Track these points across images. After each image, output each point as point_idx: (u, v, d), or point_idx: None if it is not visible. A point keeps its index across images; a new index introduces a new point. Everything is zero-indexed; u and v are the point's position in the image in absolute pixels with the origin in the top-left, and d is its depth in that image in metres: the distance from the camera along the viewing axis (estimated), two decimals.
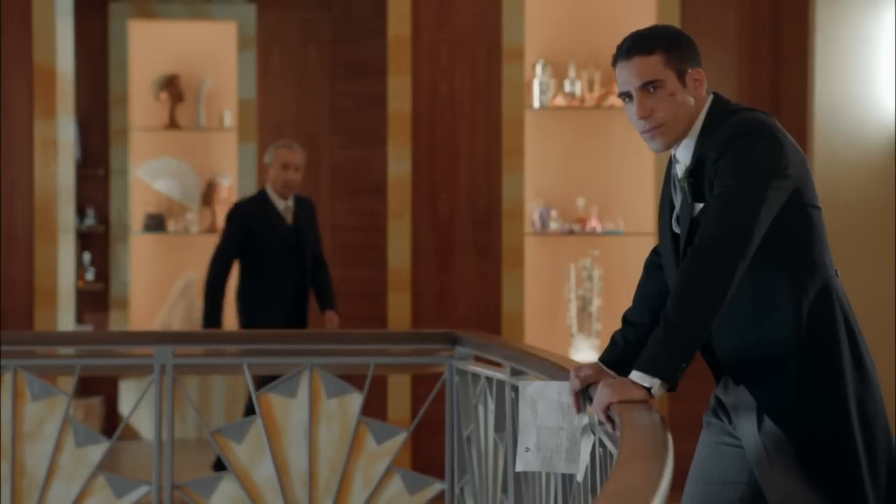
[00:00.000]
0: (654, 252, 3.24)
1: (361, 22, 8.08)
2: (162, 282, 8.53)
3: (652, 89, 2.97)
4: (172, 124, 8.44)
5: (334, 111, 8.18)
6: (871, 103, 6.36)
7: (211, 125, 8.47)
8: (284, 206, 6.53)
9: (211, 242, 8.59)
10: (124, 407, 8.27)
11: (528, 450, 3.11)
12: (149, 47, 8.45)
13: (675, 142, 3.02)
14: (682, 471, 2.94)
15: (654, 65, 2.97)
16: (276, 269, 6.53)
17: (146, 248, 8.53)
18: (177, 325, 8.33)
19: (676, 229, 3.05)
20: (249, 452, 4.59)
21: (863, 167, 6.28)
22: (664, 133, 2.99)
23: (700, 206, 2.96)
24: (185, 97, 8.43)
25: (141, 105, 8.45)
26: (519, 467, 3.15)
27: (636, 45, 2.99)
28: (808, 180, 3.00)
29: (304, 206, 6.63)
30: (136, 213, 8.46)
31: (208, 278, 6.51)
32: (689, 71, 3.00)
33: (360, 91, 8.10)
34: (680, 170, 3.03)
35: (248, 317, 6.60)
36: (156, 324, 8.41)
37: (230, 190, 8.42)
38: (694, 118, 3.01)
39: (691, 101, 3.00)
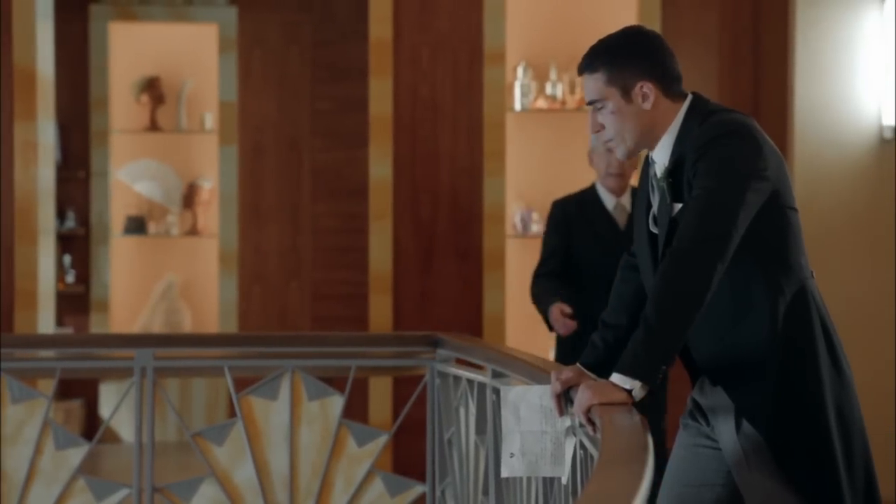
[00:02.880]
0: (630, 253, 3.25)
1: (343, 24, 8.08)
2: (143, 284, 8.51)
3: (599, 107, 3.02)
4: (153, 126, 8.42)
5: (315, 114, 8.18)
6: (851, 106, 6.38)
7: (192, 127, 8.46)
8: (615, 204, 5.24)
9: (192, 245, 8.59)
10: (105, 410, 8.25)
11: (512, 455, 3.12)
12: (129, 49, 8.43)
13: (637, 149, 3.07)
14: (660, 473, 2.94)
15: (597, 84, 3.03)
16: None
17: (127, 251, 8.51)
18: (157, 327, 8.31)
19: (654, 230, 3.06)
20: (230, 455, 4.58)
21: (843, 169, 6.30)
22: (617, 146, 3.07)
23: (679, 206, 2.97)
24: (165, 99, 8.42)
25: (122, 107, 8.43)
26: (504, 473, 3.15)
27: (584, 62, 3.06)
28: (786, 182, 3.01)
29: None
30: (117, 215, 8.43)
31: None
32: (636, 86, 3.01)
33: (341, 94, 8.10)
34: (658, 170, 3.04)
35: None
36: (136, 326, 8.39)
37: (211, 192, 8.40)
38: (655, 124, 3.02)
39: (644, 112, 3.01)
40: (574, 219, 5.20)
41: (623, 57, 3.02)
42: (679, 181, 2.98)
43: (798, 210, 3.06)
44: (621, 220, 5.18)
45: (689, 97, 3.06)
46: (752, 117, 3.05)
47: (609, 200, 5.18)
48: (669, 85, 3.03)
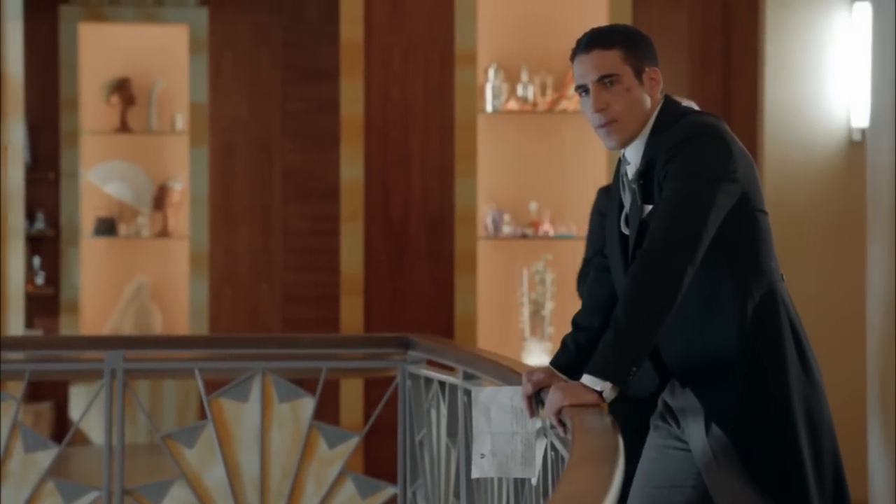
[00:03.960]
0: (602, 254, 3.25)
1: (314, 26, 8.07)
2: (113, 286, 8.48)
3: (609, 83, 2.99)
4: (124, 128, 8.39)
5: (287, 115, 8.16)
6: (821, 107, 6.41)
7: (162, 128, 8.43)
8: None
9: (162, 246, 8.56)
10: (74, 412, 8.21)
11: (483, 456, 3.12)
12: (100, 50, 8.39)
13: (630, 139, 3.02)
14: (631, 474, 2.94)
15: (612, 59, 2.98)
16: None
17: (97, 252, 8.47)
18: (128, 329, 8.28)
19: (625, 230, 3.06)
20: (201, 457, 4.57)
21: (812, 171, 6.32)
22: (619, 129, 3.00)
23: (649, 207, 2.97)
24: (136, 100, 8.39)
25: (92, 108, 8.40)
26: (475, 474, 3.15)
27: (596, 38, 3.01)
28: (756, 185, 3.02)
29: None
30: (87, 216, 8.40)
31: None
32: (647, 69, 3.01)
33: (312, 95, 8.08)
34: (630, 171, 3.04)
35: None
36: (107, 328, 8.35)
37: (182, 194, 8.37)
38: (648, 117, 3.02)
39: (647, 99, 3.01)
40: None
41: (640, 40, 3.03)
42: (650, 183, 2.99)
43: (768, 213, 3.07)
44: None
45: (662, 99, 3.07)
46: (723, 119, 3.06)
47: None
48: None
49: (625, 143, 3.03)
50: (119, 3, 8.29)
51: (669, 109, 3.04)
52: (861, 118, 6.34)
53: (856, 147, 6.37)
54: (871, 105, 5.64)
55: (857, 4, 6.37)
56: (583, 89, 3.02)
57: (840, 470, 3.03)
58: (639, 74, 3.00)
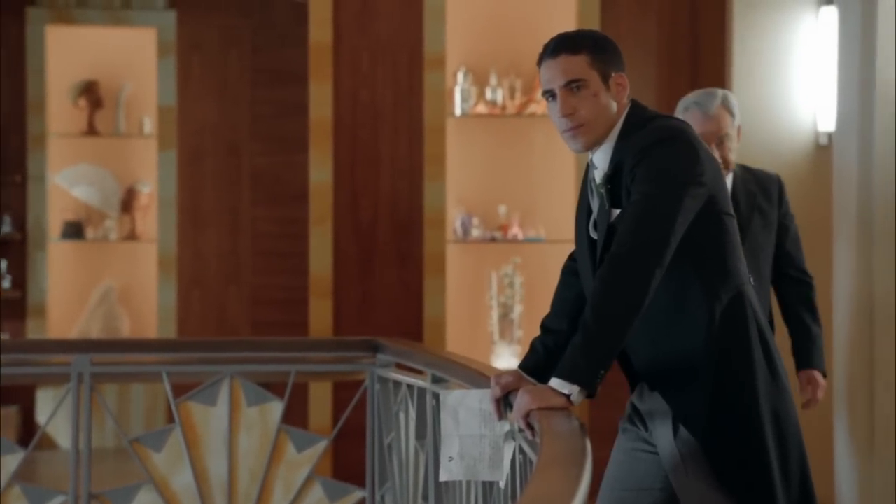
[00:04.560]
0: (571, 258, 3.26)
1: (283, 29, 8.06)
2: (80, 290, 8.44)
3: (576, 88, 3.00)
4: (91, 131, 8.35)
5: (255, 118, 8.14)
6: (788, 111, 6.44)
7: (130, 132, 8.40)
8: None
9: (130, 250, 8.53)
10: (41, 416, 8.17)
11: (451, 459, 3.12)
12: (67, 53, 8.36)
13: (595, 143, 3.04)
14: (599, 477, 2.95)
15: (579, 64, 3.00)
16: None
17: (64, 256, 8.43)
18: (95, 333, 8.25)
19: (594, 234, 3.07)
20: (168, 461, 4.55)
21: (779, 175, 6.34)
22: (585, 133, 3.01)
23: (617, 212, 2.98)
24: (104, 103, 8.35)
25: (59, 111, 8.36)
26: (443, 477, 3.15)
27: (563, 43, 3.02)
28: (722, 188, 3.04)
29: (753, 188, 4.45)
30: (54, 220, 8.36)
31: None
32: (614, 75, 3.03)
33: (281, 98, 8.07)
34: (598, 175, 3.05)
35: None
36: (74, 332, 8.32)
37: (150, 197, 8.35)
38: (614, 122, 3.04)
39: (613, 104, 3.03)
40: None
41: (606, 46, 3.05)
42: (618, 187, 2.99)
43: (735, 216, 3.09)
44: None
45: (629, 104, 3.08)
46: (689, 124, 3.07)
47: None
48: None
49: (590, 146, 3.04)
50: (87, 6, 8.26)
51: (636, 114, 3.05)
52: (827, 122, 6.37)
53: (822, 150, 6.41)
54: (837, 108, 5.68)
55: (823, 8, 6.40)
56: (550, 94, 3.03)
57: (806, 471, 3.05)
58: (606, 80, 3.02)
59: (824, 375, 4.52)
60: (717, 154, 4.18)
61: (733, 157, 4.28)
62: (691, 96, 4.29)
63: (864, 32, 5.25)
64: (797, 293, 4.45)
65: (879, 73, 5.20)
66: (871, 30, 5.22)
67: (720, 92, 4.29)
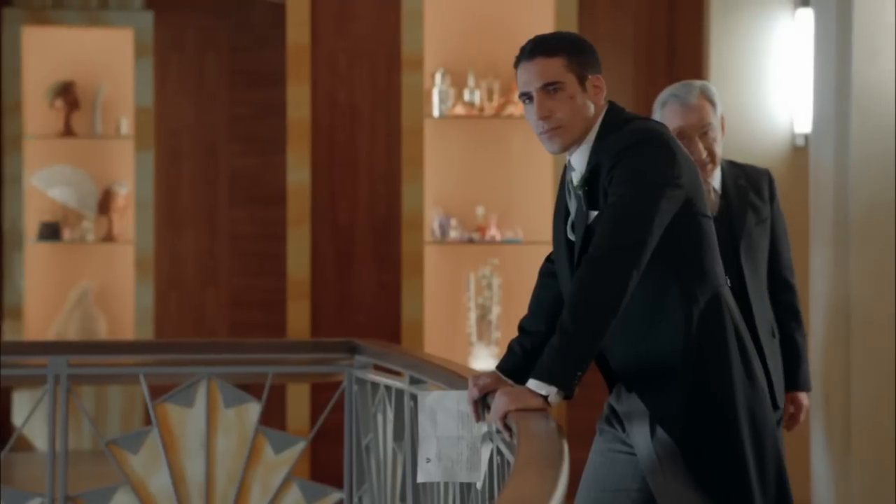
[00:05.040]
0: (549, 259, 3.26)
1: (260, 30, 8.05)
2: (57, 291, 8.42)
3: (552, 91, 3.00)
4: (68, 132, 8.33)
5: (233, 119, 8.13)
6: (764, 113, 6.46)
7: (107, 133, 8.38)
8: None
9: (107, 251, 8.50)
10: (17, 418, 8.14)
11: (428, 460, 3.12)
12: (44, 54, 8.33)
13: (572, 145, 3.04)
14: (577, 478, 2.96)
15: (555, 67, 3.00)
16: None
17: (41, 257, 8.40)
18: (72, 334, 8.22)
19: (571, 236, 3.08)
20: (145, 463, 4.54)
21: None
22: (561, 135, 3.02)
23: (595, 213, 2.99)
24: (80, 104, 8.33)
25: (35, 112, 8.33)
26: (421, 478, 3.15)
27: (539, 46, 3.02)
28: (699, 190, 3.04)
29: (743, 183, 4.18)
30: (31, 221, 8.33)
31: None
32: (590, 77, 3.03)
33: (258, 99, 8.06)
34: (575, 177, 3.06)
35: None
36: (51, 333, 8.29)
37: (127, 198, 8.33)
38: (591, 124, 3.04)
39: (590, 106, 3.03)
40: None
41: (583, 48, 3.05)
42: (595, 189, 3.00)
43: (712, 218, 3.09)
44: (711, 206, 3.98)
45: (606, 105, 3.08)
46: (667, 126, 3.08)
47: None
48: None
49: (566, 148, 3.05)
50: (63, 7, 8.23)
51: (614, 116, 3.06)
52: (804, 123, 6.39)
53: (799, 152, 6.43)
54: (813, 110, 5.70)
55: (799, 10, 6.42)
56: (526, 97, 3.03)
57: (783, 472, 3.06)
58: (582, 82, 3.02)
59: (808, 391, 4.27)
60: (701, 147, 3.99)
61: (719, 150, 4.06)
62: (668, 90, 4.11)
63: (840, 34, 5.27)
64: (785, 300, 4.17)
65: (855, 75, 5.22)
66: (846, 31, 5.25)
67: (698, 83, 4.10)
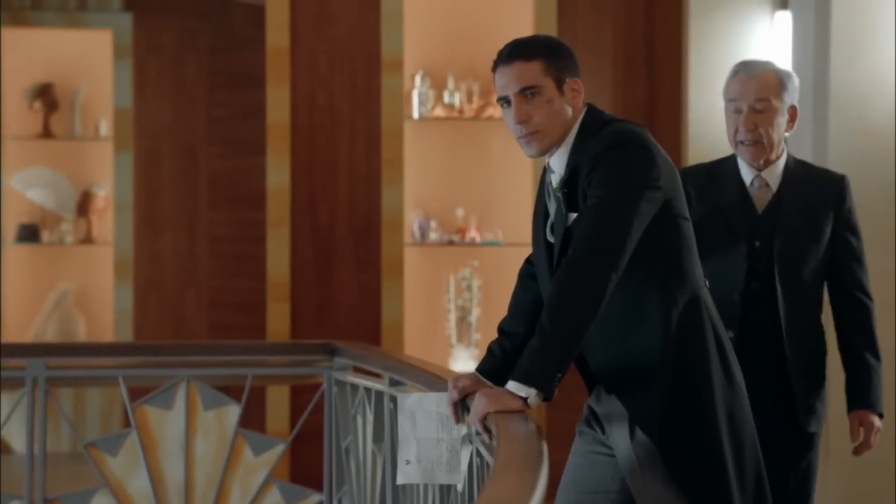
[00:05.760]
0: (528, 261, 3.27)
1: (240, 31, 8.04)
2: (36, 293, 8.39)
3: (530, 95, 3.01)
4: (46, 133, 8.30)
5: (212, 121, 8.12)
6: None
7: (86, 134, 8.36)
8: (753, 178, 3.80)
9: (86, 253, 8.48)
10: None
11: (408, 462, 3.12)
12: (22, 55, 8.30)
13: (550, 148, 3.05)
14: (556, 480, 2.96)
15: (533, 71, 3.01)
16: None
17: (19, 259, 8.38)
18: (51, 336, 8.20)
19: (550, 238, 3.08)
20: (124, 465, 4.54)
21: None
22: (539, 139, 3.03)
23: (574, 216, 2.99)
24: (59, 106, 8.31)
25: (14, 114, 8.30)
26: (400, 480, 3.15)
27: (517, 50, 3.03)
28: (678, 192, 3.05)
29: (805, 185, 3.82)
30: (9, 223, 8.30)
31: None
32: (568, 80, 3.04)
33: (238, 101, 8.05)
34: (555, 179, 3.06)
35: None
36: (29, 335, 8.27)
37: (106, 200, 8.31)
38: (570, 127, 3.05)
39: (568, 110, 3.04)
40: (702, 192, 3.80)
41: (560, 51, 3.05)
42: (574, 191, 3.01)
43: (690, 220, 3.10)
44: (760, 201, 3.77)
45: (585, 108, 3.09)
46: (646, 127, 3.09)
47: (747, 174, 3.78)
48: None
49: (544, 151, 3.05)
50: (42, 8, 8.21)
51: (593, 118, 3.06)
52: None
53: None
54: None
55: (778, 13, 6.45)
56: (504, 101, 3.04)
57: (762, 474, 3.07)
58: (560, 85, 3.03)
59: (881, 416, 3.80)
60: (750, 121, 3.69)
61: (776, 136, 3.70)
62: (741, 61, 3.83)
63: (818, 37, 5.30)
64: (851, 317, 3.80)
65: (833, 78, 5.24)
66: (824, 34, 5.27)
67: (774, 64, 3.79)
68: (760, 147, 3.71)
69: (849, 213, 3.79)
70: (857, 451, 3.80)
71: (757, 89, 3.71)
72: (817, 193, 3.78)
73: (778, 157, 3.76)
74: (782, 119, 3.71)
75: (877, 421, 3.76)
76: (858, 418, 3.76)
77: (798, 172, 3.79)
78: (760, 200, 3.75)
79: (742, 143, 3.73)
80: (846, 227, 3.78)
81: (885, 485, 5.28)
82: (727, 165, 3.82)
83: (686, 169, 3.84)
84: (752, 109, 3.70)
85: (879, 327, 3.86)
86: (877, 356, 3.78)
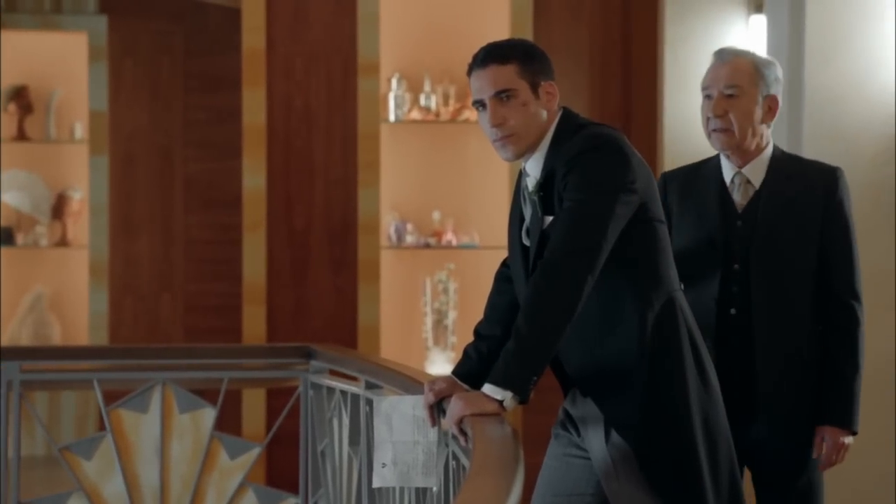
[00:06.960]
0: (505, 264, 3.27)
1: (215, 34, 8.02)
2: (10, 296, 8.36)
3: (505, 98, 3.01)
4: (21, 136, 8.28)
5: (188, 124, 8.10)
6: None
7: (61, 137, 8.33)
8: (733, 175, 3.61)
9: (61, 256, 8.45)
10: None
11: (384, 465, 3.12)
12: None
13: (526, 151, 3.06)
14: (532, 483, 2.96)
15: (508, 74, 3.01)
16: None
17: None
18: (25, 340, 8.17)
19: (526, 241, 3.09)
20: (99, 469, 4.52)
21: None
22: (515, 142, 3.03)
23: (550, 219, 3.00)
24: (34, 108, 8.28)
25: None
26: (376, 483, 3.15)
27: (492, 54, 3.04)
28: (654, 195, 3.06)
29: (791, 178, 3.60)
30: None
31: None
32: (543, 84, 3.05)
33: (214, 104, 8.04)
34: (531, 183, 3.07)
35: None
36: (4, 339, 8.23)
37: (81, 203, 8.28)
38: (545, 130, 3.05)
39: (543, 113, 3.05)
40: (683, 194, 3.65)
41: (535, 55, 3.06)
42: (550, 194, 3.01)
43: (666, 223, 3.11)
44: (740, 199, 3.57)
45: (560, 111, 3.10)
46: (622, 131, 3.10)
47: (728, 171, 3.60)
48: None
49: (519, 155, 3.06)
50: (16, 10, 8.18)
51: (568, 122, 3.07)
52: None
53: None
54: None
55: (753, 17, 6.48)
56: (480, 104, 3.05)
57: (736, 476, 3.08)
58: (535, 89, 3.04)
59: (853, 432, 3.50)
60: (718, 108, 3.51)
61: (749, 127, 3.50)
62: (718, 49, 3.64)
63: (793, 40, 5.32)
64: (836, 326, 3.52)
65: (807, 80, 5.26)
66: (798, 37, 5.29)
67: (752, 52, 3.59)
68: (730, 135, 3.50)
69: (839, 206, 3.51)
70: (822, 466, 3.53)
71: (728, 75, 3.51)
72: (804, 188, 3.53)
73: (760, 151, 3.54)
74: (756, 108, 3.50)
75: (846, 439, 3.48)
76: (822, 434, 3.49)
77: (785, 166, 3.56)
78: (741, 199, 3.53)
79: (714, 130, 3.53)
80: (835, 223, 3.51)
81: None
82: (709, 164, 3.63)
83: (670, 172, 3.73)
84: (722, 95, 3.51)
85: (869, 329, 3.61)
86: (856, 368, 3.49)
